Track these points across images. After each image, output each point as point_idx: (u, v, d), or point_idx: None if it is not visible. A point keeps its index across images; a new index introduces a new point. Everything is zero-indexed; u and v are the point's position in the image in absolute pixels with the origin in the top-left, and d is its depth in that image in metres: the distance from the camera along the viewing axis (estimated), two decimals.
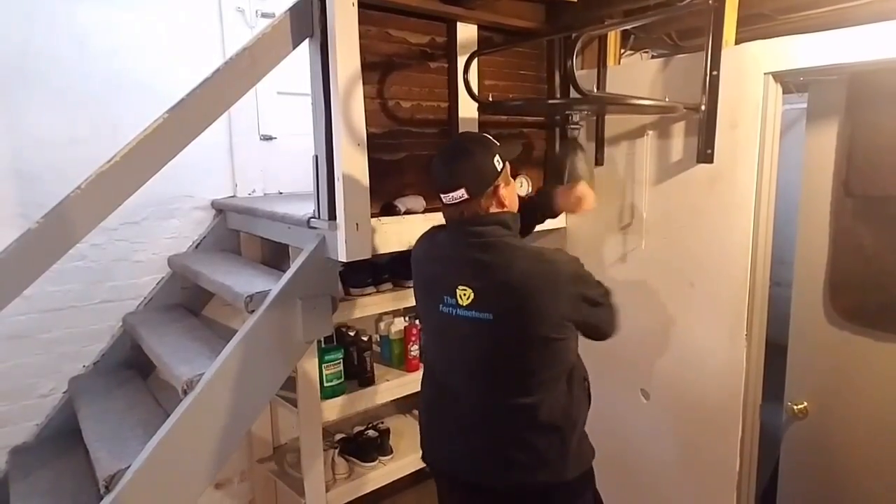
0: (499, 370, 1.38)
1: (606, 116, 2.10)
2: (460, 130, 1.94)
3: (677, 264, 1.95)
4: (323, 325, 1.73)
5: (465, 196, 1.34)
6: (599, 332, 1.47)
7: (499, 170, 1.37)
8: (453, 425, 1.47)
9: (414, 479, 2.71)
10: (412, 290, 1.60)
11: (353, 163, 1.57)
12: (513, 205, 1.45)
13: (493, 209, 1.39)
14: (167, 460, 1.49)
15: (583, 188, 1.66)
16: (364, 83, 1.58)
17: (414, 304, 2.44)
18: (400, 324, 2.49)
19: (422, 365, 1.62)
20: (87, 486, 1.68)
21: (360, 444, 2.40)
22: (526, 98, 2.19)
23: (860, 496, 1.82)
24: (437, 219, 1.87)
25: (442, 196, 1.38)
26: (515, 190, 1.50)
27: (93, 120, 2.07)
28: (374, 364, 2.36)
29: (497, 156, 1.38)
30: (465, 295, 1.35)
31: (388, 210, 1.80)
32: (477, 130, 1.99)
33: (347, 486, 2.24)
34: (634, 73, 2.03)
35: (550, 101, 2.26)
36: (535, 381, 1.37)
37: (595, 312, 1.41)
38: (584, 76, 2.09)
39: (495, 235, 1.36)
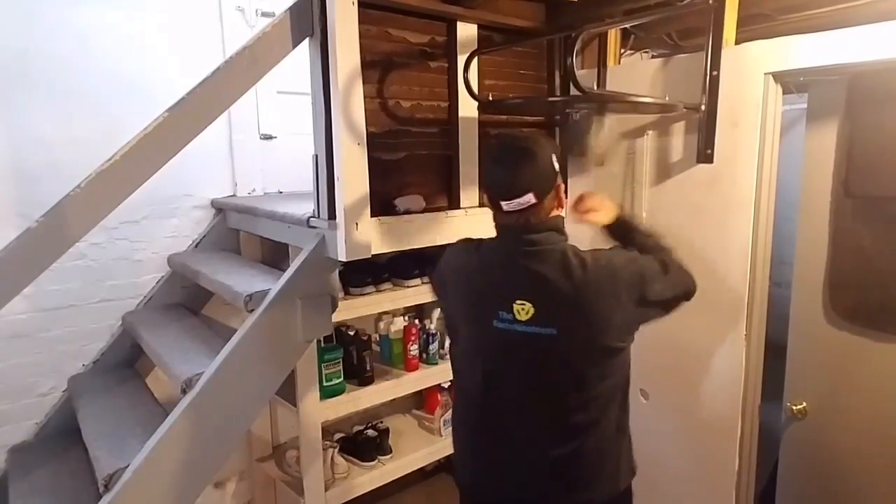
0: (561, 386, 1.31)
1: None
2: (461, 130, 1.94)
3: None
4: (322, 325, 1.73)
5: (532, 201, 1.26)
6: (679, 301, 1.41)
7: (557, 169, 1.30)
8: (504, 449, 1.38)
9: (413, 478, 2.71)
10: (442, 301, 1.51)
11: (353, 162, 1.57)
12: (564, 207, 1.37)
13: (553, 212, 1.32)
14: (166, 459, 1.49)
15: (590, 200, 1.54)
16: (364, 82, 1.58)
17: (414, 304, 2.48)
18: (399, 323, 2.50)
19: (455, 385, 1.53)
20: (86, 485, 1.67)
21: (360, 443, 2.40)
22: (526, 97, 2.19)
23: (860, 496, 1.82)
24: (438, 218, 1.88)
25: (503, 203, 1.27)
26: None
27: (93, 119, 2.07)
28: (374, 363, 2.36)
29: (554, 154, 1.30)
30: (523, 309, 1.27)
31: (388, 209, 1.80)
32: (477, 130, 1.99)
33: (346, 486, 2.24)
34: (634, 73, 2.03)
35: (550, 100, 2.26)
36: (595, 395, 1.31)
37: (665, 291, 1.35)
38: (585, 76, 2.09)
39: (550, 243, 1.29)
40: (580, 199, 1.53)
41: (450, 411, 2.61)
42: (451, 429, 1.57)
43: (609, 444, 1.35)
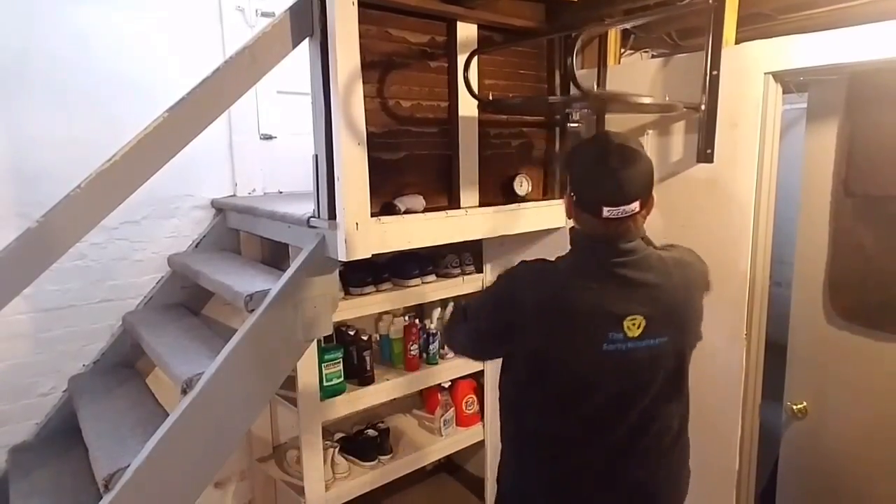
0: (672, 395, 1.32)
1: (606, 116, 2.10)
2: (460, 129, 1.94)
3: None
4: (323, 325, 1.73)
5: (637, 209, 1.19)
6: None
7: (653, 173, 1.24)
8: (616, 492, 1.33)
9: (414, 478, 2.71)
10: (514, 336, 1.28)
11: (353, 162, 1.57)
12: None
13: (643, 222, 1.26)
14: (167, 459, 1.49)
15: None
16: (364, 82, 1.58)
17: (414, 303, 2.48)
18: (400, 323, 2.50)
19: (525, 427, 1.36)
20: (86, 485, 1.67)
21: (360, 443, 2.40)
22: (526, 97, 2.19)
23: (860, 495, 1.82)
24: (438, 218, 1.88)
25: (606, 209, 1.17)
26: None
27: (93, 119, 2.07)
28: (374, 363, 2.36)
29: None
30: (634, 325, 1.19)
31: (388, 209, 1.80)
32: (477, 130, 1.99)
33: (347, 486, 2.24)
34: (634, 73, 2.03)
35: (550, 99, 2.26)
36: (686, 392, 1.37)
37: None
38: (585, 75, 2.09)
39: (643, 249, 1.23)
40: None
41: (450, 411, 2.61)
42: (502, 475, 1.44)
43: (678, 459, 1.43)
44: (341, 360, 2.20)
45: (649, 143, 1.97)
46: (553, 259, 1.31)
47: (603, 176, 1.20)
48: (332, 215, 1.63)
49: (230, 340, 1.58)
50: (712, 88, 1.72)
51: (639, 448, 1.30)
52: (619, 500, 1.33)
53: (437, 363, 2.48)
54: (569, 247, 1.30)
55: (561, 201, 2.20)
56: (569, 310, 1.22)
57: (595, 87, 2.08)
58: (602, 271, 1.22)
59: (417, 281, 2.35)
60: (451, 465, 3.09)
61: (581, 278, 1.23)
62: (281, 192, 2.61)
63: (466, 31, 1.93)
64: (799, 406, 1.88)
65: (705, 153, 1.77)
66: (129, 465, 1.46)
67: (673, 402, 1.33)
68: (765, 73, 1.67)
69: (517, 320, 1.26)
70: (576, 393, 1.27)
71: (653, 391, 1.27)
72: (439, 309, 2.60)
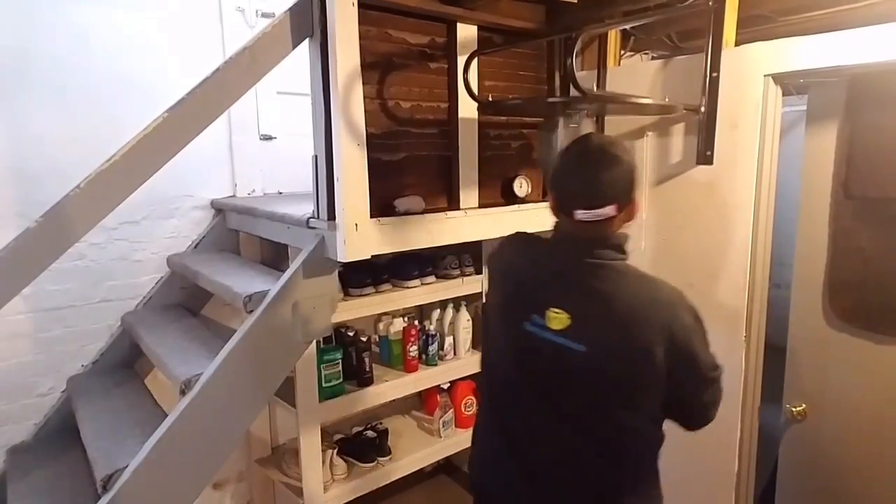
0: (581, 409, 1.21)
1: (606, 117, 2.10)
2: (460, 130, 1.94)
3: (676, 265, 1.95)
4: (322, 326, 1.73)
5: (612, 214, 1.17)
6: (690, 412, 1.26)
7: (636, 178, 1.21)
8: (515, 460, 1.30)
9: (412, 480, 2.71)
10: (489, 289, 1.43)
11: (353, 163, 1.57)
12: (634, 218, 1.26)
13: (622, 228, 1.23)
14: (165, 460, 1.49)
15: None
16: (364, 83, 1.58)
17: (413, 304, 2.47)
18: (399, 324, 2.50)
19: (481, 381, 1.46)
20: (84, 486, 1.67)
21: (359, 444, 2.40)
22: (526, 98, 2.19)
23: (859, 497, 1.82)
24: (437, 219, 1.88)
25: (579, 212, 1.17)
26: None
27: (93, 119, 2.07)
28: (373, 364, 2.36)
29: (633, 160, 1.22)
30: (557, 318, 1.19)
31: (388, 210, 1.80)
32: (477, 131, 1.99)
33: (346, 487, 2.24)
34: (634, 74, 2.03)
35: (550, 101, 2.26)
36: (614, 436, 1.20)
37: (693, 382, 1.20)
38: (584, 77, 2.09)
39: (610, 258, 1.20)
40: None
41: (449, 412, 2.61)
42: (472, 429, 1.51)
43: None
44: (340, 361, 2.19)
45: (649, 145, 1.97)
46: (539, 235, 1.37)
47: (578, 177, 1.21)
48: (331, 216, 1.63)
49: (229, 341, 1.58)
50: (712, 90, 1.72)
51: (528, 442, 1.29)
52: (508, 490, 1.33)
53: (436, 364, 2.48)
54: None
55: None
56: (517, 278, 1.32)
57: (595, 88, 2.08)
58: (562, 265, 1.24)
59: (417, 282, 2.35)
60: (450, 467, 3.09)
61: (542, 260, 1.29)
62: (280, 193, 2.61)
63: (466, 33, 1.93)
64: (798, 408, 1.88)
65: (705, 155, 1.78)
66: (127, 466, 1.46)
67: (578, 426, 1.22)
68: (764, 75, 1.68)
69: (493, 267, 1.42)
70: (503, 356, 1.33)
71: (552, 394, 1.24)
72: (438, 310, 2.60)
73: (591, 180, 1.17)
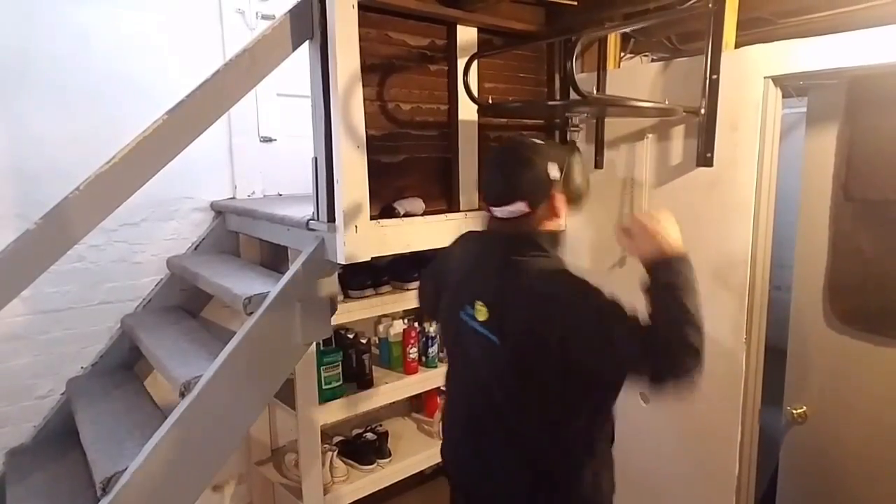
0: (496, 398, 1.27)
1: (606, 119, 2.10)
2: (460, 133, 1.94)
3: None
4: (321, 328, 1.73)
5: (525, 210, 1.24)
6: (644, 375, 1.15)
7: (557, 178, 1.25)
8: (458, 432, 1.46)
9: (412, 482, 2.70)
10: (420, 287, 1.61)
11: (353, 165, 1.57)
12: (564, 218, 1.31)
13: (546, 225, 1.27)
14: (165, 463, 1.48)
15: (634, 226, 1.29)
16: (364, 85, 1.58)
17: (414, 307, 2.46)
18: (399, 326, 2.49)
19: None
20: (84, 489, 1.67)
21: (359, 446, 2.39)
22: (526, 101, 2.19)
23: (860, 500, 1.81)
24: (437, 221, 1.88)
25: (494, 209, 1.28)
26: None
27: (93, 120, 2.07)
28: (373, 366, 2.36)
29: (555, 163, 1.25)
30: (480, 311, 1.27)
31: (388, 212, 1.80)
32: (476, 133, 1.99)
33: (346, 489, 2.23)
34: (634, 77, 2.03)
35: (550, 104, 2.26)
36: (527, 427, 1.26)
37: (631, 350, 1.13)
38: (584, 79, 2.09)
39: (531, 255, 1.24)
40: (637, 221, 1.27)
41: None
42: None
43: (517, 486, 1.29)
44: (340, 363, 2.19)
45: (649, 147, 1.97)
46: (475, 231, 1.46)
47: (491, 178, 1.31)
48: (331, 218, 1.62)
49: (229, 343, 1.58)
50: (712, 92, 1.72)
51: (460, 426, 1.42)
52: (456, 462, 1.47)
53: (436, 366, 2.47)
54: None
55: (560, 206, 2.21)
56: (456, 270, 1.41)
57: (595, 90, 2.08)
58: (486, 258, 1.33)
59: (417, 284, 2.34)
60: None
61: (471, 252, 1.39)
62: (280, 195, 2.61)
63: (466, 35, 1.93)
64: (799, 410, 1.87)
65: (705, 157, 1.77)
66: (126, 468, 1.46)
67: (494, 413, 1.29)
68: (764, 77, 1.67)
69: (429, 281, 1.54)
70: (446, 339, 1.50)
71: (477, 381, 1.33)
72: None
73: (503, 180, 1.26)
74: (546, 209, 1.26)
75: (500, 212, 1.27)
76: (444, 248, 1.55)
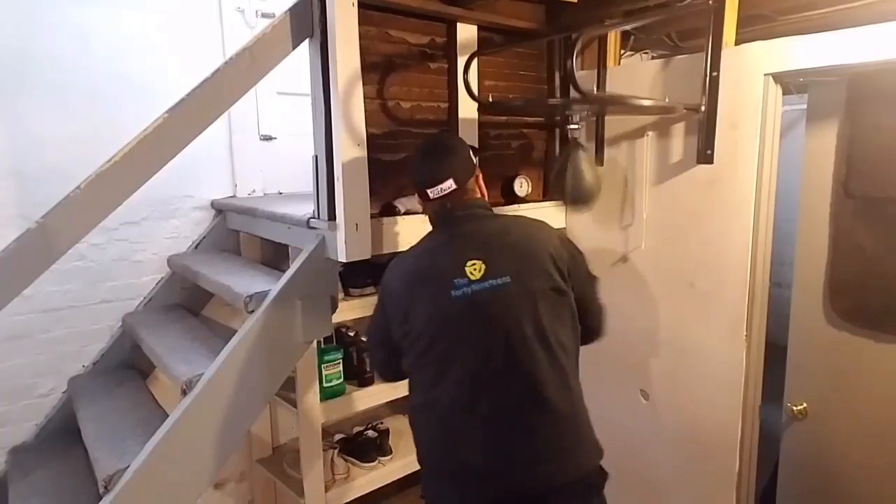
0: (527, 339, 1.31)
1: (606, 117, 2.10)
2: (460, 131, 1.94)
3: (677, 265, 1.95)
4: (322, 326, 1.73)
5: (454, 186, 1.42)
6: (591, 316, 1.50)
7: (475, 162, 1.50)
8: (496, 427, 1.31)
9: (413, 479, 2.71)
10: (393, 326, 1.44)
11: (353, 163, 1.57)
12: (486, 197, 1.54)
13: (476, 197, 1.49)
14: (167, 460, 1.49)
15: None
16: (364, 83, 1.58)
17: None
18: None
19: (420, 403, 1.46)
20: (86, 486, 1.67)
21: (360, 444, 2.40)
22: (526, 98, 2.19)
23: (860, 497, 1.82)
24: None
25: (428, 191, 1.44)
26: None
27: (93, 119, 2.07)
28: None
29: (471, 150, 1.52)
30: (476, 269, 1.34)
31: (388, 210, 1.80)
32: (477, 131, 1.99)
33: (347, 487, 2.24)
34: (634, 74, 2.03)
35: (550, 102, 2.26)
36: (558, 345, 1.34)
37: (589, 287, 1.49)
38: (584, 77, 2.09)
39: (477, 208, 1.45)
40: None
41: None
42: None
43: (581, 409, 1.38)
44: (341, 361, 2.19)
45: (649, 145, 1.97)
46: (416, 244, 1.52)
47: (423, 166, 1.48)
48: (331, 216, 1.63)
49: (230, 341, 1.58)
50: (712, 90, 1.72)
51: (497, 407, 1.32)
52: (497, 469, 1.30)
53: None
54: None
55: (561, 203, 2.21)
56: (422, 271, 1.42)
57: (595, 88, 2.08)
58: (444, 234, 1.45)
59: None
60: None
61: (430, 245, 1.46)
62: (281, 193, 2.61)
63: (466, 33, 1.93)
64: (799, 407, 1.88)
65: (705, 154, 1.78)
66: (128, 466, 1.46)
67: (529, 355, 1.31)
68: (765, 75, 1.68)
69: (390, 307, 1.46)
70: (441, 348, 1.36)
71: (498, 339, 1.32)
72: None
73: (434, 165, 1.46)
74: (473, 185, 1.48)
75: (433, 192, 1.43)
76: (390, 279, 1.48)
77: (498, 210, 2.00)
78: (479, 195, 1.50)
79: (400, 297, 1.43)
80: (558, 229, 1.54)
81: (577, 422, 1.36)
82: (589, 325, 1.49)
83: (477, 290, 1.33)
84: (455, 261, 1.36)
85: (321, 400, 2.11)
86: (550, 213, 2.18)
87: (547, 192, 2.27)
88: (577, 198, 1.91)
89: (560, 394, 1.32)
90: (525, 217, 1.52)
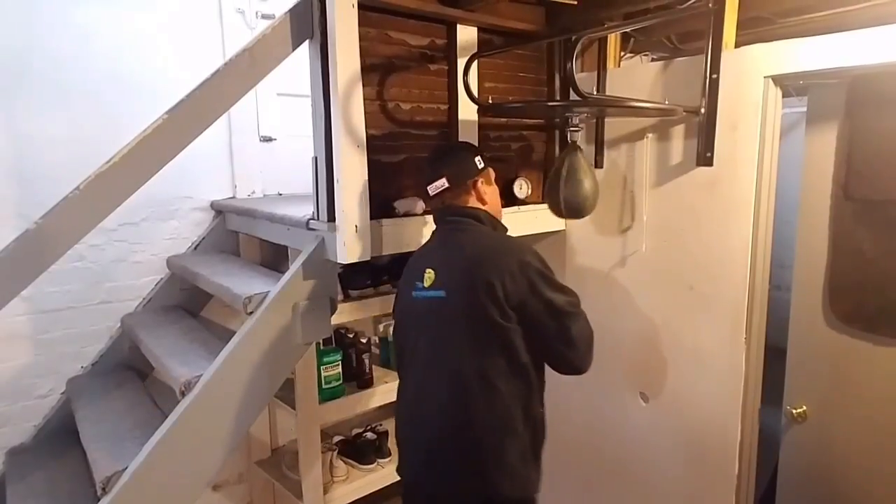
0: (449, 354, 1.37)
1: (606, 119, 2.10)
2: (460, 133, 1.94)
3: (677, 267, 1.95)
4: (322, 327, 1.73)
5: (446, 185, 1.47)
6: (560, 351, 1.37)
7: (479, 168, 1.51)
8: (419, 431, 1.46)
9: None
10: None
11: (353, 164, 1.57)
12: (493, 207, 1.55)
13: (472, 203, 1.50)
14: (165, 462, 1.49)
15: None
16: (364, 85, 1.58)
17: None
18: None
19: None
20: (84, 488, 1.67)
21: (359, 446, 2.40)
22: (526, 100, 2.19)
23: (860, 499, 1.81)
24: None
25: (428, 188, 1.50)
26: (497, 194, 1.59)
27: (93, 120, 2.07)
28: (373, 366, 2.36)
29: (479, 156, 1.52)
30: (428, 277, 1.42)
31: (388, 212, 1.80)
32: (477, 133, 2.00)
33: (345, 489, 2.24)
34: (634, 76, 2.03)
35: (550, 104, 2.26)
36: (482, 376, 1.33)
37: (551, 321, 1.34)
38: (584, 79, 2.09)
39: (468, 217, 1.47)
40: None
41: None
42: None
43: (488, 440, 1.34)
44: (340, 362, 2.19)
45: (649, 147, 1.97)
46: None
47: (425, 168, 1.55)
48: (331, 217, 1.62)
49: (229, 343, 1.58)
50: (712, 92, 1.72)
51: (425, 407, 1.43)
52: (421, 462, 1.47)
53: None
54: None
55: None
56: (409, 266, 1.54)
57: (595, 90, 2.08)
58: (435, 236, 1.54)
59: None
60: None
61: (425, 244, 1.56)
62: (280, 195, 2.61)
63: (466, 35, 1.93)
64: (799, 410, 1.88)
65: (705, 156, 1.77)
66: (127, 468, 1.46)
67: (436, 371, 1.39)
68: (764, 77, 1.67)
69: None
70: (401, 340, 1.55)
71: (432, 345, 1.42)
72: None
73: (430, 165, 1.54)
74: (468, 188, 1.49)
75: (431, 189, 1.49)
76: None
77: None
78: (475, 201, 1.51)
79: (399, 286, 1.58)
80: (535, 252, 1.40)
81: (463, 446, 1.36)
82: (554, 364, 1.41)
83: (422, 297, 1.43)
84: (423, 264, 1.46)
85: (320, 402, 2.11)
86: (550, 215, 2.18)
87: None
88: (572, 207, 1.87)
89: (458, 419, 1.36)
90: (498, 238, 1.47)
